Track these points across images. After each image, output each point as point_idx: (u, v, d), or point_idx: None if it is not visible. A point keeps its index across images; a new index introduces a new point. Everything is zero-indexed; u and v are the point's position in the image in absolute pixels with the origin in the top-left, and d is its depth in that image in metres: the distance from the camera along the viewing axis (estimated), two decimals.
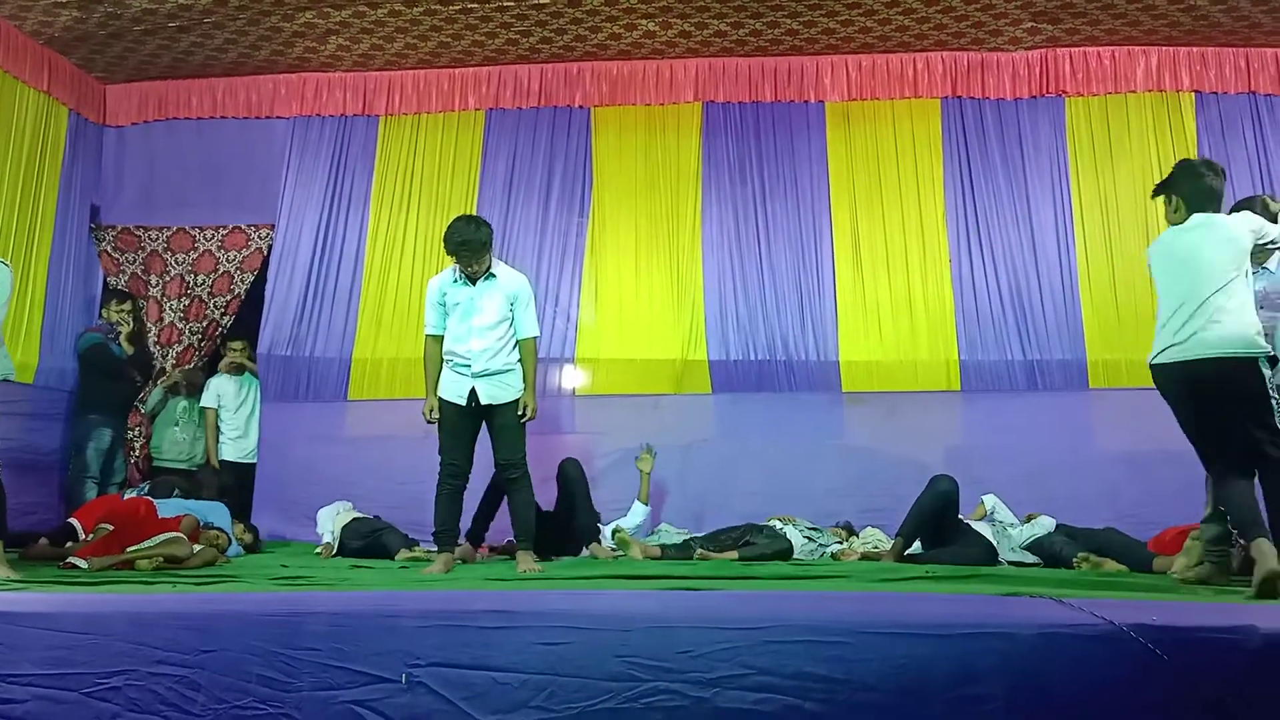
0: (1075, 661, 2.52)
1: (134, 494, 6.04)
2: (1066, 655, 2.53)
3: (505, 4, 6.57)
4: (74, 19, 6.66)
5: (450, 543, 4.89)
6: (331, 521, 6.15)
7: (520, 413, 4.90)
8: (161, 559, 4.76)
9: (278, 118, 7.63)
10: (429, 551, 5.43)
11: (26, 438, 6.70)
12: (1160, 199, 4.15)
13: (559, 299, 7.16)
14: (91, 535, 5.00)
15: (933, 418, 6.77)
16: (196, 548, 5.06)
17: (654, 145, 7.34)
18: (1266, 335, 3.81)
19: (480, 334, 4.87)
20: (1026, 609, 2.91)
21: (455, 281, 4.95)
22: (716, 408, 6.96)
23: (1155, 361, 3.87)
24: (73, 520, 5.33)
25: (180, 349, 7.43)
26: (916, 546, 5.47)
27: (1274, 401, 3.72)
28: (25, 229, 6.83)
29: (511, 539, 5.14)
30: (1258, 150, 6.90)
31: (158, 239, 7.59)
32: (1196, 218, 3.95)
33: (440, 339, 5.00)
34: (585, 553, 5.69)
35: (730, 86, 7.31)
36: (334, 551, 5.95)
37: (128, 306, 7.13)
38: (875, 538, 5.92)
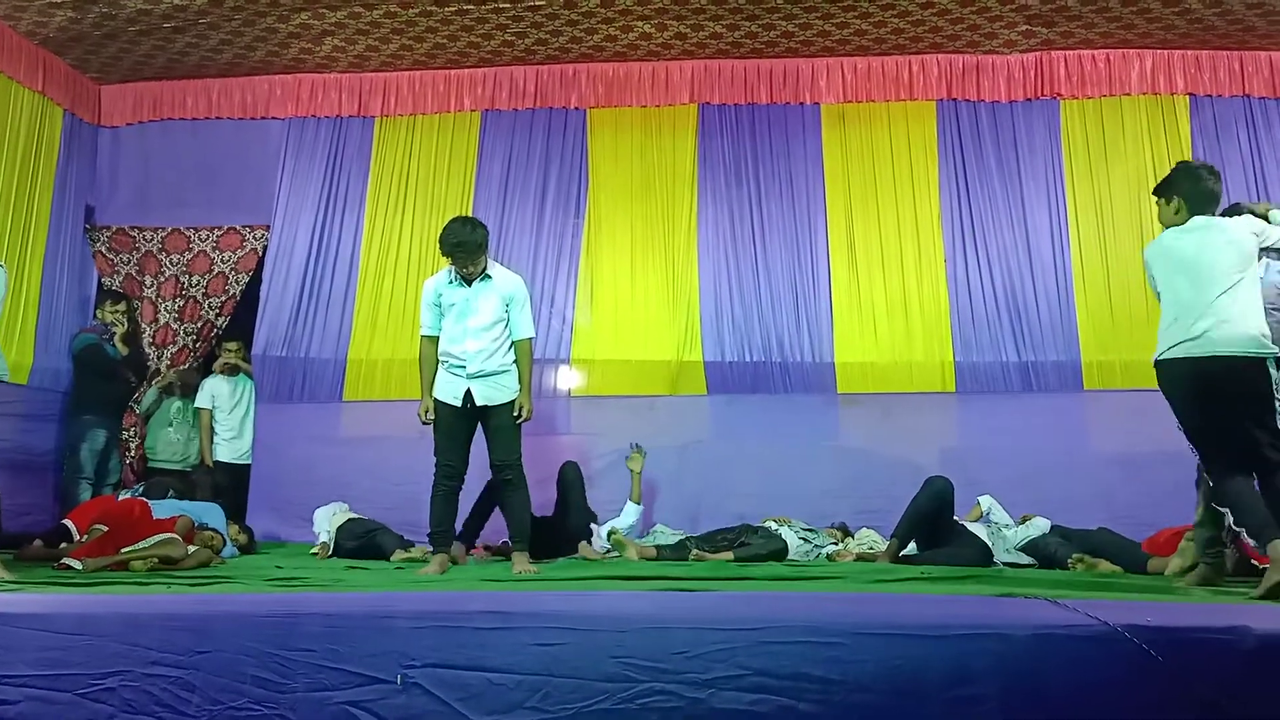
0: (1070, 662, 2.52)
1: (128, 495, 6.02)
2: (1061, 656, 2.53)
3: (501, 5, 6.57)
4: (69, 19, 6.65)
5: (445, 544, 4.88)
6: (328, 521, 6.14)
7: (516, 414, 4.90)
8: (156, 560, 4.75)
9: (273, 118, 7.63)
10: (426, 552, 5.42)
11: (21, 439, 6.70)
12: (1157, 199, 4.16)
13: (554, 300, 7.16)
14: (86, 536, 4.99)
15: (928, 419, 6.78)
16: (191, 549, 5.05)
17: (650, 147, 7.35)
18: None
19: (476, 335, 4.87)
20: (1021, 610, 2.91)
21: (451, 282, 4.94)
22: (712, 409, 6.97)
23: (1164, 358, 3.85)
24: (67, 521, 5.32)
25: (175, 350, 7.42)
26: (912, 547, 5.47)
27: (1277, 403, 3.73)
28: (20, 229, 6.82)
29: (507, 540, 5.13)
30: (1251, 153, 6.93)
31: (152, 240, 7.58)
32: (1197, 220, 3.97)
33: (436, 340, 4.99)
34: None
35: (726, 88, 7.32)
36: (330, 552, 5.94)
37: (122, 307, 7.11)
38: (870, 539, 5.92)
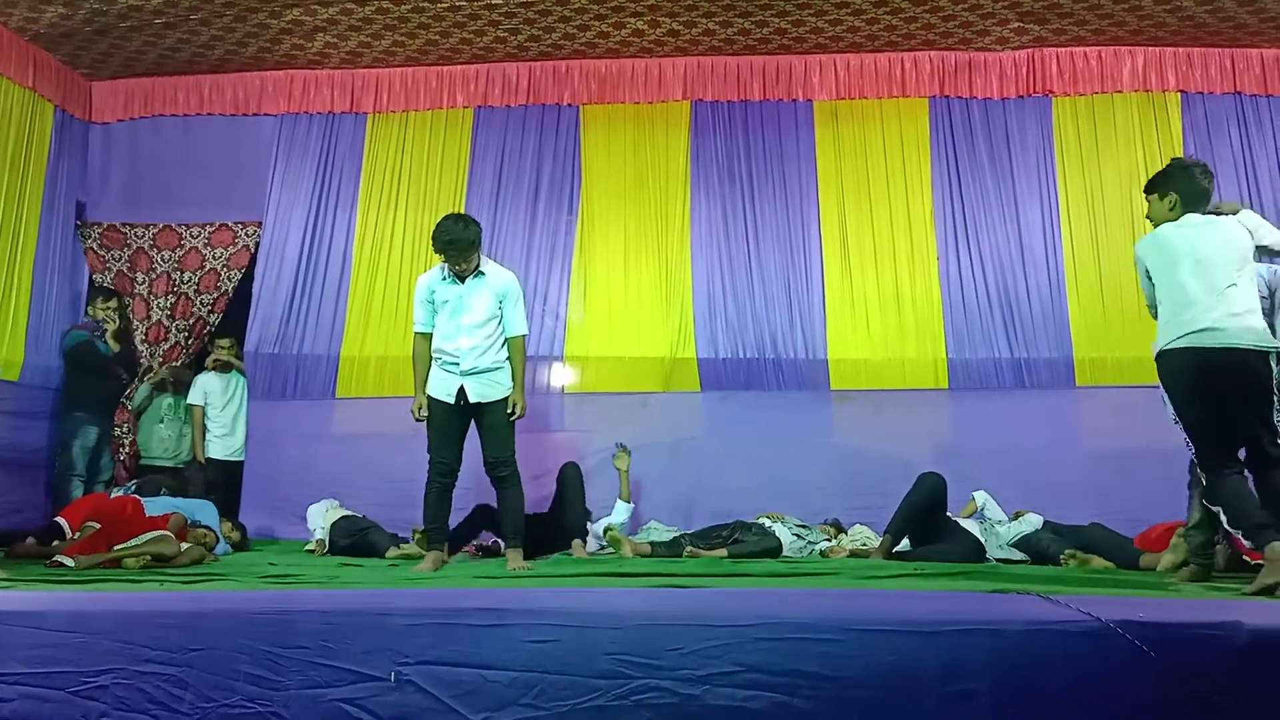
0: (1062, 658, 2.53)
1: (121, 492, 6.01)
2: (1054, 652, 2.54)
3: (493, 2, 6.56)
4: (59, 15, 6.62)
5: (440, 541, 4.89)
6: (322, 518, 6.14)
7: (509, 411, 4.89)
8: (149, 557, 4.74)
9: (265, 115, 7.60)
10: (419, 538, 5.42)
11: (12, 436, 6.67)
12: (1149, 195, 4.16)
13: (548, 297, 7.15)
14: (78, 534, 4.98)
15: (921, 415, 6.80)
16: (184, 546, 5.04)
17: (643, 143, 7.34)
18: None
19: (469, 332, 4.87)
20: (1014, 606, 2.92)
21: (444, 279, 4.94)
22: (705, 406, 6.97)
23: (1169, 348, 3.83)
24: (59, 519, 5.30)
25: (167, 346, 7.40)
26: (905, 544, 5.49)
27: (1275, 398, 3.74)
28: (10, 226, 6.79)
29: (497, 539, 5.14)
30: (1243, 150, 6.95)
31: (144, 236, 7.55)
32: (1192, 217, 3.99)
33: (429, 337, 4.99)
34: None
35: (719, 85, 7.32)
36: (326, 549, 5.93)
37: (113, 304, 7.10)
38: (864, 535, 5.93)
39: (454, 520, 5.05)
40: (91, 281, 7.55)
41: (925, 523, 5.41)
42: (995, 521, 5.67)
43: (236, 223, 7.52)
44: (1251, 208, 6.65)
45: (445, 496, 4.90)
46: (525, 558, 4.87)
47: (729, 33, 6.97)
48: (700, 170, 7.26)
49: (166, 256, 7.50)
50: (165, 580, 4.05)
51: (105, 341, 6.94)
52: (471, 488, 5.47)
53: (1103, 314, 6.79)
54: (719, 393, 6.96)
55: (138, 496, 5.53)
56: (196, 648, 2.76)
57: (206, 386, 7.13)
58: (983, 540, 5.39)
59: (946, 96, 7.21)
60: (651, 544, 5.63)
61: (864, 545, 5.70)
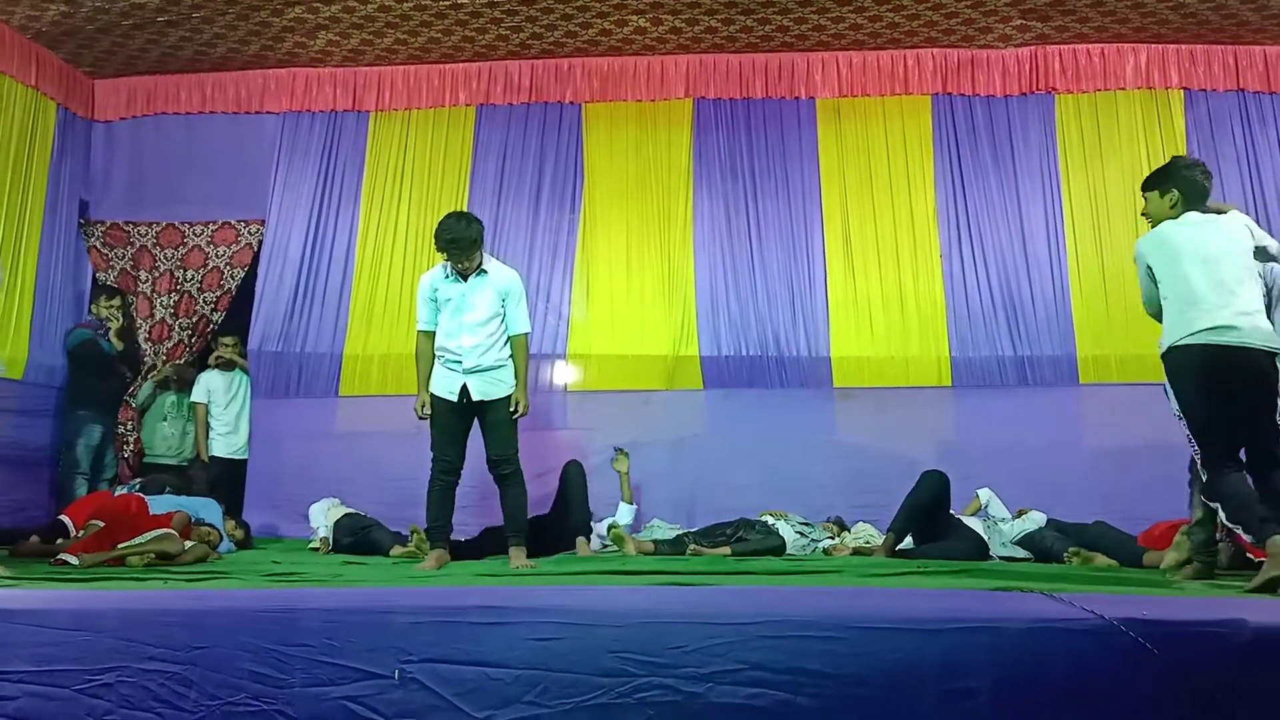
0: (1065, 656, 2.53)
1: (125, 491, 6.01)
2: (1057, 649, 2.54)
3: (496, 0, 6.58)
4: (62, 13, 6.63)
5: (443, 539, 4.89)
6: (324, 516, 6.15)
7: (512, 409, 4.90)
8: (153, 555, 4.75)
9: (267, 113, 7.61)
10: (421, 539, 5.42)
11: (16, 434, 6.68)
12: (1148, 192, 4.16)
13: (550, 295, 7.15)
14: (82, 532, 4.99)
15: (924, 413, 6.80)
16: (188, 544, 5.05)
17: (645, 141, 7.34)
18: None
19: (471, 330, 4.87)
20: (1017, 604, 2.92)
21: (447, 277, 4.94)
22: (708, 403, 6.98)
23: (1179, 344, 3.81)
24: (63, 517, 5.30)
25: (171, 345, 7.40)
26: (908, 541, 5.48)
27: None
28: (13, 225, 6.80)
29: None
30: (1246, 147, 6.94)
31: (147, 234, 7.56)
32: (1193, 215, 3.98)
33: (432, 335, 4.99)
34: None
35: (721, 82, 7.31)
36: (330, 547, 5.94)
37: (117, 302, 7.11)
38: (867, 533, 5.93)
39: (456, 519, 5.04)
40: (95, 280, 7.56)
41: (928, 520, 5.41)
42: (998, 519, 5.67)
43: (239, 221, 7.53)
44: (1255, 205, 6.72)
45: (448, 495, 4.90)
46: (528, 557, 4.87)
47: (731, 30, 6.97)
48: (703, 168, 7.26)
49: (169, 255, 7.51)
50: (169, 578, 4.06)
51: (109, 340, 6.95)
52: (475, 486, 5.47)
53: (1106, 311, 6.78)
54: (722, 390, 6.96)
55: (141, 495, 5.54)
56: (200, 646, 2.77)
57: (210, 384, 7.14)
58: (986, 538, 5.39)
59: (949, 94, 7.20)
60: (655, 542, 5.63)
61: (867, 543, 5.70)
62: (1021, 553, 5.37)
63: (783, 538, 5.67)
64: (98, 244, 7.58)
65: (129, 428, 7.26)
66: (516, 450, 4.94)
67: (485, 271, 4.93)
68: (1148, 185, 4.18)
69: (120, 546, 4.80)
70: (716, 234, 7.16)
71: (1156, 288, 4.04)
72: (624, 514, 6.12)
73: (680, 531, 5.90)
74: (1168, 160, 4.24)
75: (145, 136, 7.68)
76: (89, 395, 6.81)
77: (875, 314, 6.97)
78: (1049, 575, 4.00)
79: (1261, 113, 6.98)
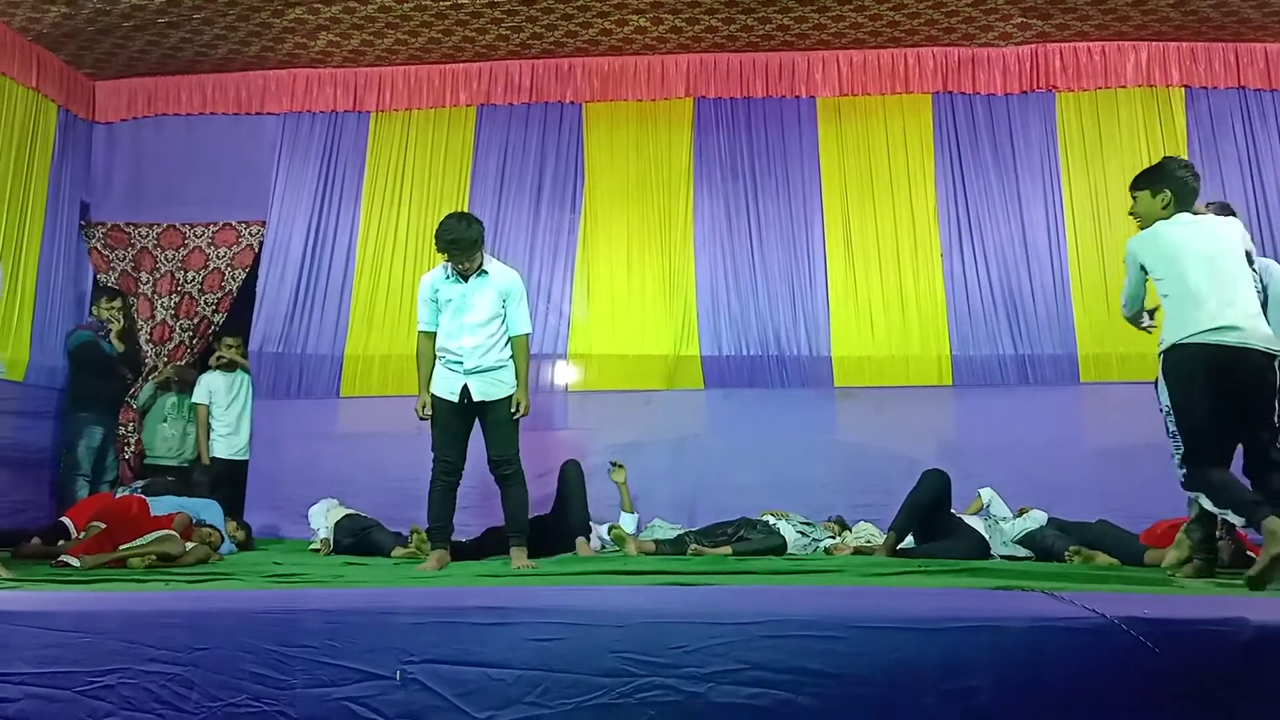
0: (1066, 654, 2.53)
1: (127, 493, 6.02)
2: (1058, 648, 2.53)
3: (496, 0, 6.56)
4: (62, 15, 6.63)
5: (444, 539, 4.89)
6: (324, 518, 6.15)
7: (513, 409, 4.89)
8: (154, 557, 4.75)
9: (268, 114, 7.62)
10: (422, 540, 5.42)
11: (17, 436, 6.70)
12: (1139, 191, 4.16)
13: (551, 295, 7.16)
14: (84, 533, 4.99)
15: (924, 412, 6.79)
16: (189, 545, 5.05)
17: (645, 141, 7.35)
18: None
19: (472, 331, 4.87)
20: (1018, 602, 2.91)
21: (447, 278, 4.94)
22: (709, 403, 6.98)
23: (1184, 342, 3.80)
24: (65, 519, 5.32)
25: (172, 346, 7.41)
26: (909, 541, 5.48)
27: (1278, 402, 3.75)
28: (15, 226, 6.81)
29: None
30: (1247, 145, 6.94)
31: (148, 236, 7.56)
32: (1185, 215, 3.99)
33: (433, 335, 4.99)
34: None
35: (722, 82, 7.32)
36: (331, 548, 5.94)
37: (118, 304, 7.12)
38: (868, 532, 5.93)
39: (457, 519, 5.04)
40: (96, 281, 7.58)
41: (929, 520, 5.41)
42: (999, 518, 5.67)
43: (240, 222, 7.53)
44: (1256, 202, 6.72)
45: (449, 495, 4.90)
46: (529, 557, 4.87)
47: (731, 29, 6.97)
48: (703, 167, 7.26)
49: (170, 256, 7.52)
50: (170, 580, 4.06)
51: (110, 341, 6.96)
52: (476, 486, 5.47)
53: (1107, 310, 6.77)
54: (722, 390, 6.96)
55: (143, 496, 5.54)
56: (202, 647, 2.76)
57: (211, 385, 7.14)
58: (987, 537, 5.39)
59: (950, 92, 7.21)
60: (656, 542, 5.63)
61: (868, 542, 5.70)
62: (1023, 552, 5.37)
63: (784, 537, 5.67)
64: (99, 245, 7.58)
65: (130, 429, 7.27)
66: (517, 451, 4.94)
67: (486, 272, 4.93)
68: (1138, 185, 4.17)
69: (121, 548, 4.80)
70: (717, 233, 7.16)
71: (1143, 289, 4.06)
72: (626, 523, 6.13)
73: (681, 531, 5.91)
74: (1158, 161, 4.23)
75: (146, 138, 7.69)
76: (90, 397, 6.82)
77: (876, 313, 6.97)
78: (1050, 574, 4.00)
79: (1262, 110, 6.98)
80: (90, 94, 7.67)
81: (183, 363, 7.41)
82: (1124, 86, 7.08)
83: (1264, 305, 4.25)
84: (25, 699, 2.77)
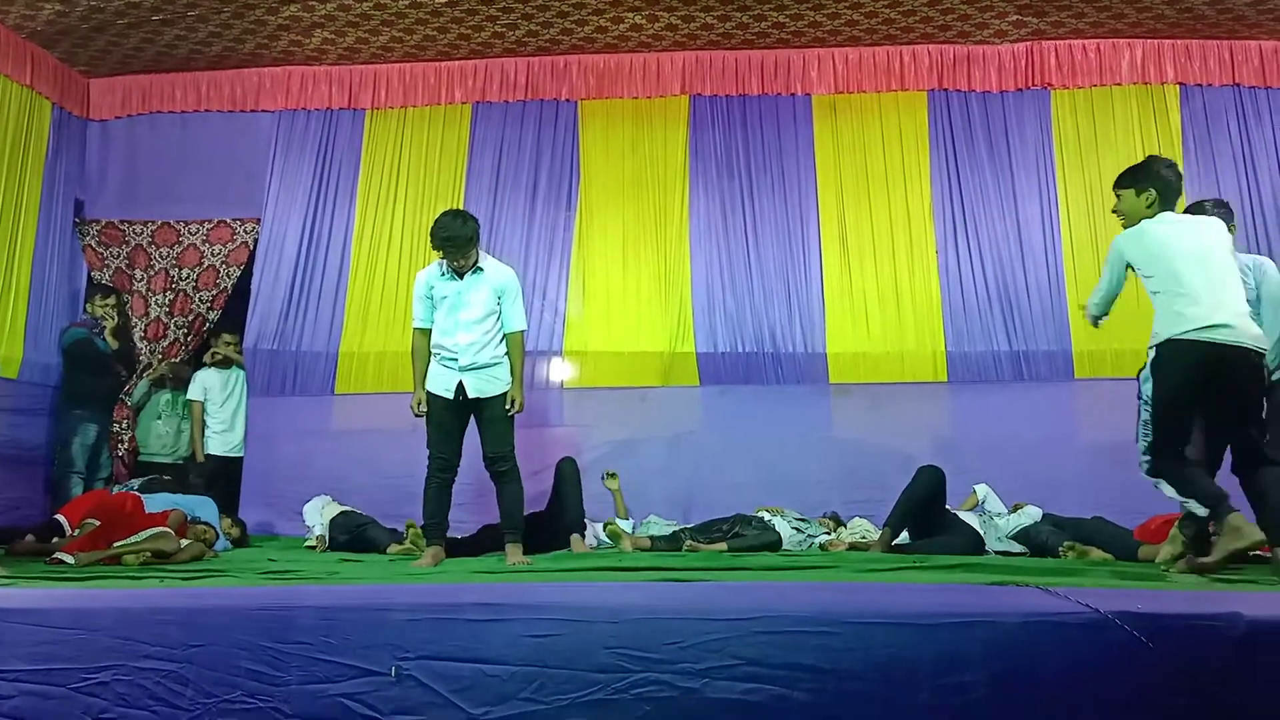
0: (1061, 649, 2.54)
1: (123, 490, 6.01)
2: (1052, 643, 2.54)
3: None
4: (57, 13, 6.61)
5: (439, 536, 4.89)
6: (319, 515, 6.15)
7: (508, 406, 4.90)
8: (149, 554, 4.75)
9: (263, 111, 7.59)
10: (416, 534, 5.42)
11: (11, 433, 6.68)
12: (1123, 190, 4.17)
13: (546, 292, 7.15)
14: (78, 531, 4.98)
15: (920, 409, 6.80)
16: (184, 542, 5.04)
17: (641, 138, 7.34)
18: None
19: (467, 328, 4.87)
20: (1013, 598, 2.93)
21: (442, 275, 4.94)
22: (704, 400, 6.98)
23: (1179, 337, 3.82)
24: (59, 516, 5.31)
25: (166, 343, 7.39)
26: (904, 536, 5.49)
27: (1265, 400, 3.80)
28: (8, 224, 6.79)
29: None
30: (1242, 142, 6.94)
31: (142, 233, 7.54)
32: (1171, 215, 4.03)
33: (428, 332, 4.99)
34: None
35: (717, 79, 7.31)
36: (326, 545, 5.94)
37: (112, 301, 7.10)
38: (863, 528, 5.93)
39: (453, 516, 5.04)
40: (90, 279, 7.55)
41: (924, 515, 5.43)
42: (994, 514, 5.68)
43: (235, 219, 7.52)
44: (1250, 198, 6.74)
45: (445, 492, 4.91)
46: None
47: (727, 27, 6.97)
48: (699, 165, 7.25)
49: (165, 253, 7.50)
50: (165, 577, 4.06)
51: (104, 338, 6.95)
52: (471, 483, 5.47)
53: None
54: (718, 387, 6.96)
55: (138, 493, 5.53)
56: (197, 644, 2.77)
57: (206, 382, 7.13)
58: (982, 533, 5.40)
59: (945, 90, 7.20)
60: (651, 538, 5.64)
61: (863, 538, 5.70)
62: (1017, 547, 5.38)
63: (779, 533, 5.67)
64: (93, 243, 7.56)
65: (124, 426, 7.25)
66: (513, 447, 4.94)
67: (481, 269, 4.93)
68: (1122, 183, 4.19)
69: (116, 545, 4.79)
70: (713, 231, 7.16)
71: (1121, 287, 4.11)
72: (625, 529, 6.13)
73: (677, 527, 5.91)
74: (1143, 159, 4.25)
75: (140, 135, 7.67)
76: (84, 394, 6.81)
77: (871, 310, 6.97)
78: (1045, 569, 4.01)
79: (1257, 107, 6.98)
80: (85, 91, 7.65)
81: (177, 360, 7.40)
82: (1119, 84, 7.08)
83: (1256, 302, 4.28)
84: (20, 696, 2.78)
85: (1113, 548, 5.00)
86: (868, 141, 7.21)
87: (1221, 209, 4.47)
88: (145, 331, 7.40)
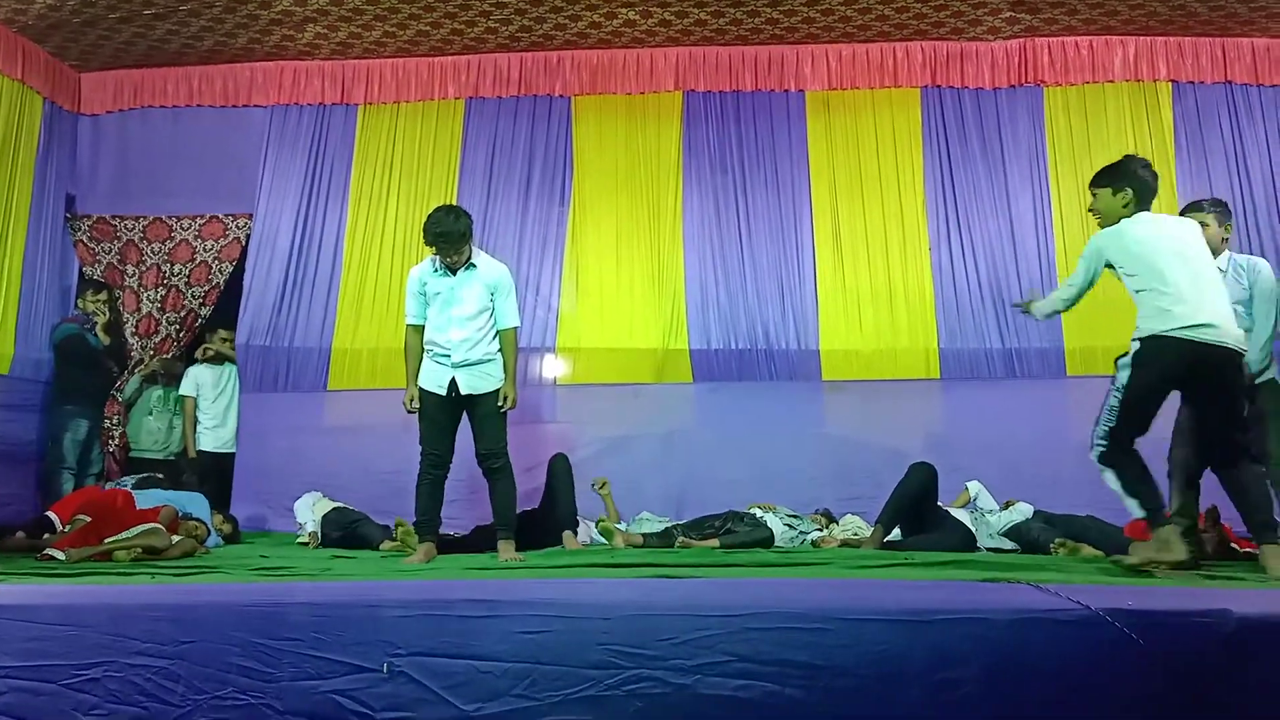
0: (1051, 646, 2.55)
1: (116, 486, 6.00)
2: (1042, 639, 2.55)
3: None
4: (48, 6, 6.58)
5: (432, 532, 4.88)
6: (310, 511, 6.13)
7: (500, 402, 4.89)
8: (140, 550, 4.74)
9: (255, 106, 7.57)
10: (408, 531, 5.41)
11: (2, 429, 6.65)
12: (1100, 189, 4.18)
13: (539, 288, 7.15)
14: (69, 527, 4.97)
15: (912, 406, 6.81)
16: (175, 538, 5.03)
17: (634, 134, 7.33)
18: None
19: (460, 324, 4.86)
20: (1004, 594, 2.94)
21: (435, 271, 4.93)
22: (697, 397, 6.98)
23: (1166, 334, 3.83)
24: (50, 512, 5.29)
25: (158, 339, 7.37)
26: (896, 533, 5.50)
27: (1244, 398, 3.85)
28: (0, 219, 6.76)
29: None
30: (1233, 139, 6.96)
31: (134, 229, 7.52)
32: (1147, 215, 4.06)
33: (421, 329, 4.98)
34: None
35: (711, 75, 7.31)
36: (319, 541, 5.92)
37: (103, 296, 7.07)
38: (855, 525, 5.94)
39: (446, 512, 5.03)
40: (81, 274, 7.52)
41: (916, 512, 5.42)
42: (986, 511, 5.69)
43: (227, 215, 7.50)
44: (1242, 196, 6.76)
45: (437, 489, 4.90)
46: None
47: (721, 23, 6.96)
48: (692, 161, 7.25)
49: (157, 249, 7.48)
50: (156, 573, 4.05)
51: (95, 334, 6.92)
52: (464, 480, 5.47)
53: (1093, 304, 6.72)
54: (711, 384, 6.97)
55: (129, 490, 5.52)
56: (188, 640, 2.76)
57: (199, 378, 7.12)
58: (974, 530, 5.41)
59: (938, 86, 7.21)
60: (643, 535, 5.63)
61: (855, 535, 5.71)
62: (1009, 544, 5.39)
63: (771, 530, 5.67)
64: (84, 238, 7.54)
65: (115, 422, 7.23)
66: (505, 444, 4.93)
67: (474, 265, 4.92)
68: (1099, 182, 4.20)
69: (107, 541, 4.78)
70: (706, 227, 7.16)
71: (1092, 284, 4.17)
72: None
73: (669, 524, 5.91)
74: (1119, 159, 4.25)
75: (132, 130, 7.64)
76: (75, 390, 6.78)
77: (864, 307, 6.98)
78: (1036, 566, 4.03)
79: (1249, 105, 7.00)
80: (76, 86, 7.62)
81: (169, 356, 7.38)
82: (1111, 81, 7.09)
83: (1249, 302, 4.30)
84: (10, 692, 2.77)
85: (1103, 545, 5.01)
86: (861, 138, 7.22)
87: (1218, 208, 4.49)
88: (137, 327, 7.38)
